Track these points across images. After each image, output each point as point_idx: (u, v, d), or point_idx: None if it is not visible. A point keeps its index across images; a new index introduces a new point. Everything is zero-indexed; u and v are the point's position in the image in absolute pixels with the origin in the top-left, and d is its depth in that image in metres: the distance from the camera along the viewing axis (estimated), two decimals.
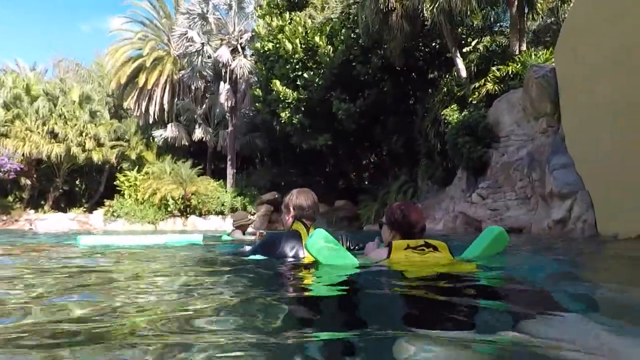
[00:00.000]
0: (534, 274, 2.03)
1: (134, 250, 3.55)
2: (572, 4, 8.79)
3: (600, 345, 0.84)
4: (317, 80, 14.81)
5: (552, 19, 13.57)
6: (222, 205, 18.72)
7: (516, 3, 10.28)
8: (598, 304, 1.30)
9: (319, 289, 1.64)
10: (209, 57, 19.59)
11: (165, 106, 21.30)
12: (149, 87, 20.72)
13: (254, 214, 18.38)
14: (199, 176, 19.64)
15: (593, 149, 5.96)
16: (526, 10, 11.06)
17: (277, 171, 20.84)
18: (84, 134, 20.72)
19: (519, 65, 9.46)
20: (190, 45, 19.01)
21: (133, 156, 21.61)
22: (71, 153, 20.29)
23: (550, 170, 6.85)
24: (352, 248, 2.43)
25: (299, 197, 2.32)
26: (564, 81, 7.05)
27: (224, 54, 18.63)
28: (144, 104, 21.20)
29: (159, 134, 21.00)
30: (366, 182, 19.90)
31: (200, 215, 18.84)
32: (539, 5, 11.16)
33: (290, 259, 2.14)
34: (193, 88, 21.06)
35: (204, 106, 21.77)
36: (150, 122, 21.49)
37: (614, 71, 5.29)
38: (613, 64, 5.30)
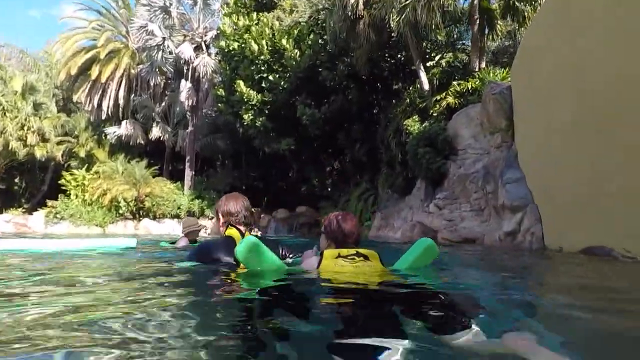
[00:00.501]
0: (456, 285, 2.15)
1: (49, 256, 3.12)
2: (528, 26, 9.25)
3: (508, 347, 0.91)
4: (282, 83, 14.60)
5: (510, 41, 14.35)
6: (179, 208, 17.89)
7: (478, 22, 10.70)
8: (513, 311, 1.43)
9: (245, 298, 1.60)
10: (170, 52, 18.78)
11: (121, 102, 20.10)
12: (103, 80, 19.46)
13: (212, 218, 17.76)
14: (154, 177, 18.67)
15: (542, 165, 6.22)
16: (487, 31, 11.55)
17: (238, 175, 20.30)
18: (25, 128, 19.00)
19: (478, 81, 9.80)
20: (150, 39, 18.10)
21: (82, 154, 20.16)
22: (10, 148, 18.54)
23: (503, 184, 7.08)
24: (288, 256, 2.41)
25: (227, 203, 2.28)
26: (518, 99, 7.35)
27: (186, 50, 17.94)
28: (96, 98, 19.87)
29: (112, 131, 19.76)
30: (329, 189, 19.85)
31: (154, 218, 17.88)
32: (498, 26, 11.70)
33: (223, 266, 2.11)
34: (152, 84, 20.04)
35: (163, 104, 20.82)
36: (103, 117, 20.18)
37: (564, 91, 5.54)
38: (564, 84, 5.55)
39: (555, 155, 5.81)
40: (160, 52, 18.42)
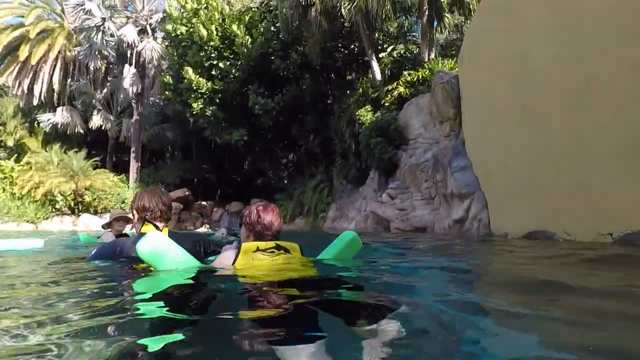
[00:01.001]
0: (375, 274, 2.11)
1: None
2: (473, 16, 9.48)
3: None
4: (233, 71, 14.03)
5: (457, 35, 14.77)
6: (123, 202, 16.73)
7: (427, 14, 10.85)
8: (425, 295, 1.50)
9: (146, 305, 1.38)
10: (112, 35, 17.41)
11: (55, 86, 18.37)
12: (34, 62, 17.65)
13: None
14: (95, 169, 17.33)
15: (488, 152, 6.35)
16: (435, 23, 11.76)
17: (189, 166, 19.39)
18: None
19: (428, 71, 9.95)
20: (89, 19, 16.67)
21: (10, 142, 18.25)
22: None
23: (451, 172, 7.19)
24: (208, 252, 2.22)
25: (142, 198, 2.11)
26: (465, 88, 7.48)
27: (129, 33, 16.70)
28: (26, 82, 18.01)
29: (46, 119, 18.07)
30: (285, 181, 19.53)
31: (95, 213, 16.59)
32: (446, 19, 11.96)
33: (133, 265, 1.89)
34: (91, 69, 18.49)
35: (105, 90, 19.35)
36: (35, 103, 18.36)
37: (507, 78, 5.66)
38: (507, 72, 5.66)
39: (497, 142, 5.95)
40: (100, 34, 17.05)
